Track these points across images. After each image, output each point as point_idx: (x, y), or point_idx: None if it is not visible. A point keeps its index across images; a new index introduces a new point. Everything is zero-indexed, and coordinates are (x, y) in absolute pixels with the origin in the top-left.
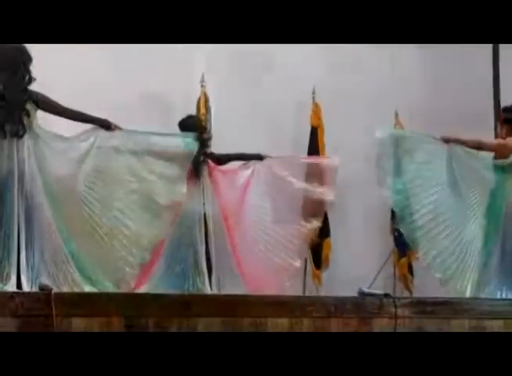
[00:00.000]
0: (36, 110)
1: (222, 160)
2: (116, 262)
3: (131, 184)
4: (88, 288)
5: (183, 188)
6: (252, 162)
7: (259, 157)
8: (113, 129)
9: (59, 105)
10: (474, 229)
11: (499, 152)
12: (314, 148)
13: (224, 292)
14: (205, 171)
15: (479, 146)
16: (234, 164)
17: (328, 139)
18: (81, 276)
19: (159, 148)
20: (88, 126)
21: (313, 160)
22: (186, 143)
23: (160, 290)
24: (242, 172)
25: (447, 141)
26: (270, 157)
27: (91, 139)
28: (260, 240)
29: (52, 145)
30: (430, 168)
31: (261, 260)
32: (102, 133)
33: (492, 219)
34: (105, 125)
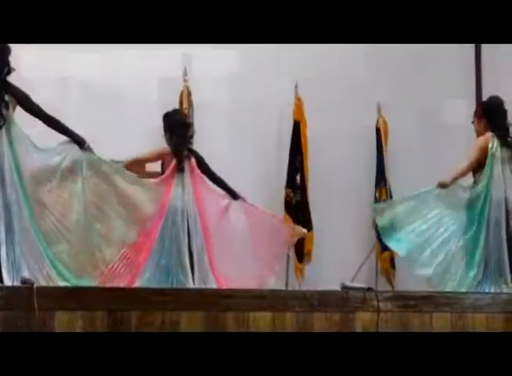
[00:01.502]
0: (15, 105)
1: (203, 166)
2: (81, 262)
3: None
4: (62, 284)
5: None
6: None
7: (234, 195)
8: (86, 149)
9: (40, 108)
10: (456, 224)
11: (483, 152)
12: (296, 142)
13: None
14: (187, 166)
15: (473, 167)
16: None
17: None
18: (55, 272)
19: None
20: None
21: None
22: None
23: (152, 286)
24: (222, 198)
25: (444, 186)
26: (243, 201)
27: (58, 158)
28: (235, 256)
29: (29, 148)
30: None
31: (236, 273)
32: (73, 151)
33: (474, 215)
34: (79, 142)
